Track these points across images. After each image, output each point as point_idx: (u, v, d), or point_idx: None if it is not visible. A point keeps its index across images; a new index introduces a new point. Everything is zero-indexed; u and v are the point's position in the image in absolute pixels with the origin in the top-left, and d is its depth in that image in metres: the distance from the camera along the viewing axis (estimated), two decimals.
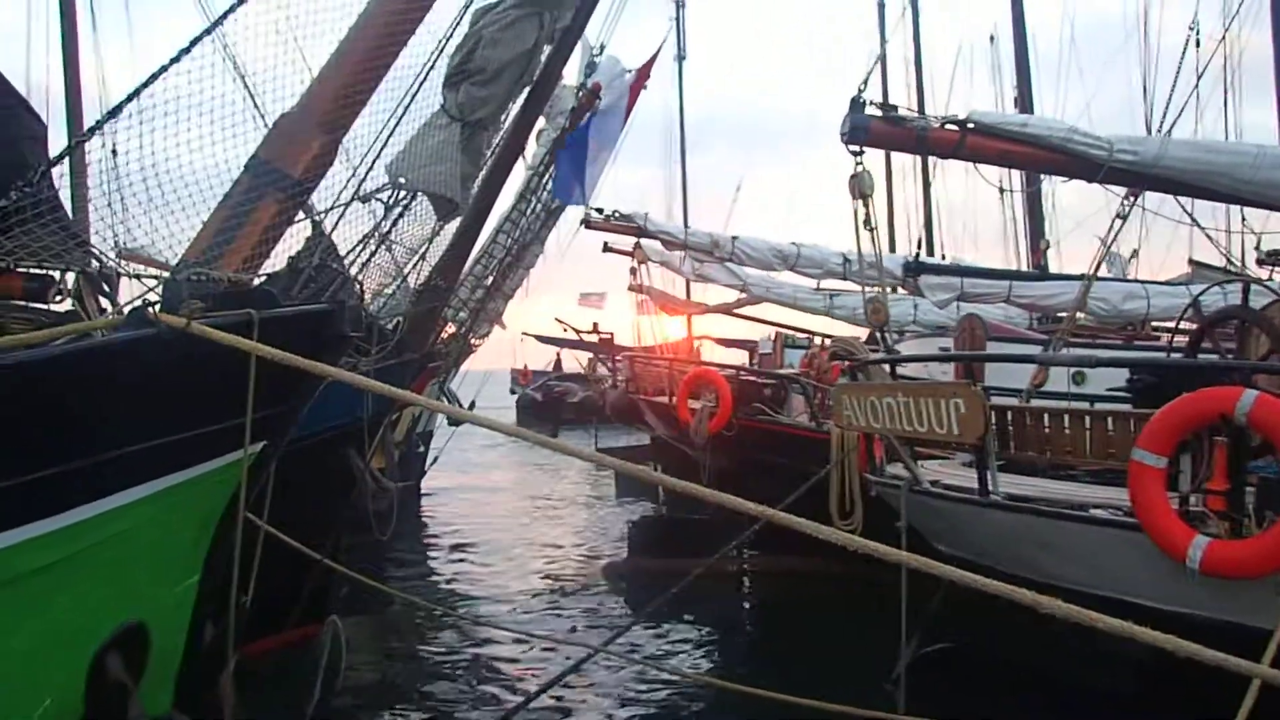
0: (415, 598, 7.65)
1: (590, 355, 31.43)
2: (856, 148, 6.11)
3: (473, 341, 13.63)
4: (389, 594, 6.87)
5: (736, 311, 17.10)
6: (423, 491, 15.62)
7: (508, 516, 14.21)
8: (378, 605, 7.67)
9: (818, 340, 15.31)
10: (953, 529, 5.38)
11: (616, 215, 12.97)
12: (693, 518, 10.49)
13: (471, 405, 14.72)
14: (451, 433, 14.99)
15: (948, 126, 6.23)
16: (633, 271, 14.19)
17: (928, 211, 20.87)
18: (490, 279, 10.70)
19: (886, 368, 6.21)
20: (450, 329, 10.01)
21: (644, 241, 13.64)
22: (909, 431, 5.26)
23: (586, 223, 12.97)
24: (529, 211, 8.69)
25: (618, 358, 16.50)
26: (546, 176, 8.13)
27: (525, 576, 9.94)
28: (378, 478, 6.65)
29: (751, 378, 10.63)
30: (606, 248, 14.52)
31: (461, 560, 10.88)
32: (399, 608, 7.91)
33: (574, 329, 29.56)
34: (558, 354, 30.97)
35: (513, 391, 31.28)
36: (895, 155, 19.67)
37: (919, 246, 19.93)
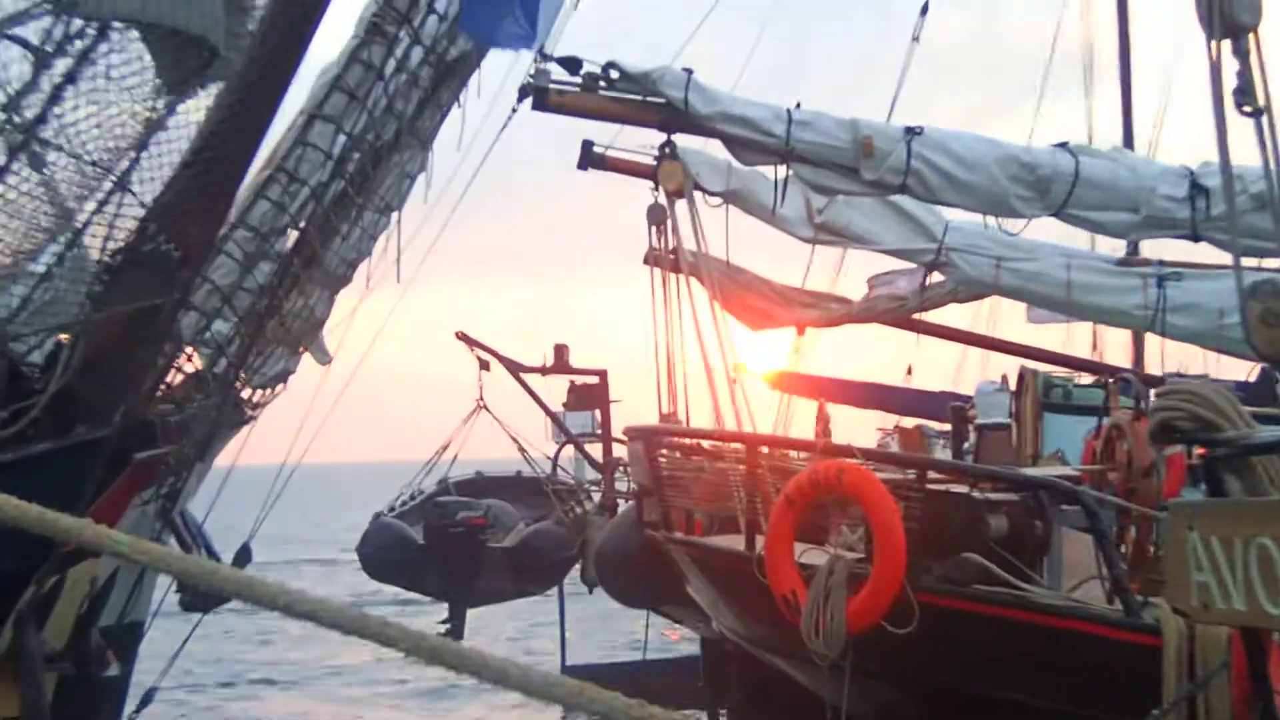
0: None
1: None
2: None
3: (248, 397, 13.62)
4: None
5: (918, 317, 17.08)
6: None
7: None
8: None
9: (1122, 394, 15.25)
10: None
11: (611, 75, 13.04)
12: None
13: (242, 555, 14.65)
14: (194, 623, 14.97)
15: None
16: (655, 218, 14.20)
17: None
18: (293, 239, 10.74)
19: None
20: (191, 363, 10.01)
21: (682, 145, 13.78)
22: None
23: (536, 95, 13.04)
24: (389, 69, 8.74)
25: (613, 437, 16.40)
26: None
27: None
28: None
29: (956, 484, 10.75)
30: (591, 159, 14.69)
31: None
32: None
33: (494, 353, 29.56)
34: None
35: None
36: None
37: None
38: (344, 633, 3.29)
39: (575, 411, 32.13)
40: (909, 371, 28.72)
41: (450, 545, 26.70)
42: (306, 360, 14.84)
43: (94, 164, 6.10)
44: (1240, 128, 6.37)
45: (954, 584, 9.61)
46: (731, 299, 16.11)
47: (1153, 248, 15.37)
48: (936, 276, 15.33)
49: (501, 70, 12.64)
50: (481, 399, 30.83)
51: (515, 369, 29.14)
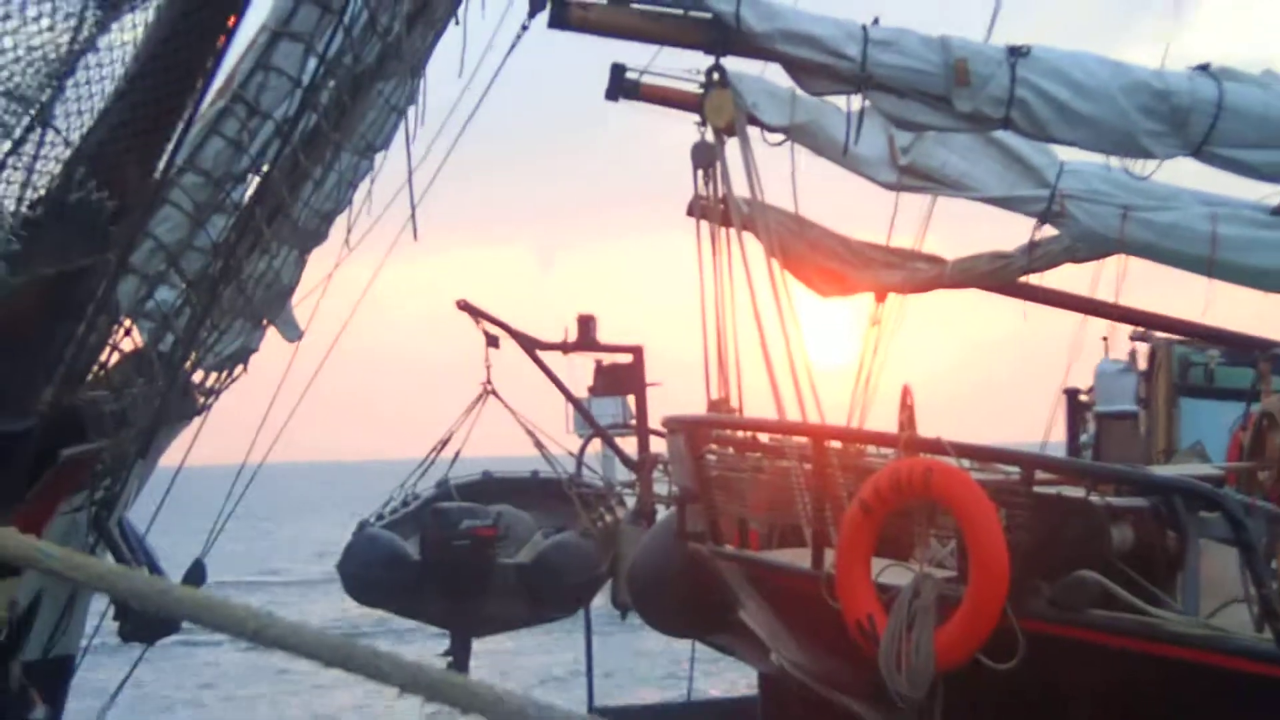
0: None
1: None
2: None
3: (200, 381, 13.63)
4: None
5: (1026, 280, 17.07)
6: None
7: None
8: None
9: None
10: None
11: None
12: None
13: (195, 573, 14.74)
14: (137, 656, 15.07)
15: None
16: (702, 160, 14.17)
17: None
18: (255, 185, 10.75)
19: None
20: (130, 339, 10.02)
21: (734, 71, 13.89)
22: None
23: (554, 9, 13.10)
24: None
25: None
26: None
27: None
28: None
29: (1070, 486, 10.80)
30: (622, 87, 14.87)
31: None
32: None
33: (504, 326, 29.12)
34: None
35: None
36: None
37: None
38: (325, 664, 3.29)
39: (603, 397, 31.84)
40: None
41: (452, 561, 26.40)
42: (271, 336, 14.82)
43: (6, 95, 6.12)
44: None
45: (1067, 609, 9.60)
46: (795, 258, 16.05)
47: None
48: (1048, 230, 15.26)
49: None
50: (489, 382, 30.62)
51: (530, 345, 28.91)
